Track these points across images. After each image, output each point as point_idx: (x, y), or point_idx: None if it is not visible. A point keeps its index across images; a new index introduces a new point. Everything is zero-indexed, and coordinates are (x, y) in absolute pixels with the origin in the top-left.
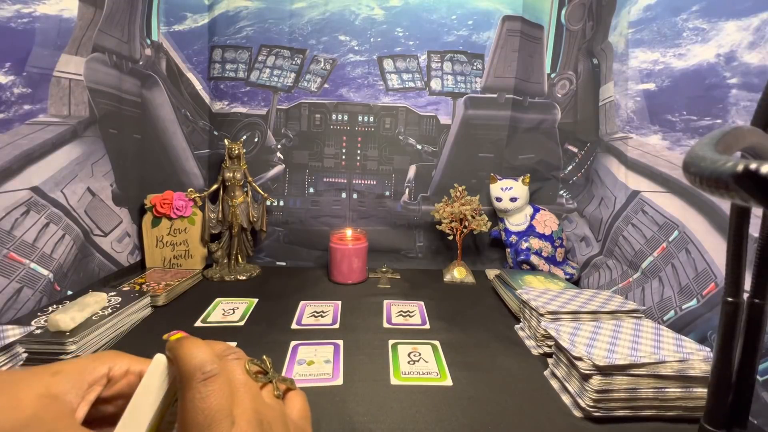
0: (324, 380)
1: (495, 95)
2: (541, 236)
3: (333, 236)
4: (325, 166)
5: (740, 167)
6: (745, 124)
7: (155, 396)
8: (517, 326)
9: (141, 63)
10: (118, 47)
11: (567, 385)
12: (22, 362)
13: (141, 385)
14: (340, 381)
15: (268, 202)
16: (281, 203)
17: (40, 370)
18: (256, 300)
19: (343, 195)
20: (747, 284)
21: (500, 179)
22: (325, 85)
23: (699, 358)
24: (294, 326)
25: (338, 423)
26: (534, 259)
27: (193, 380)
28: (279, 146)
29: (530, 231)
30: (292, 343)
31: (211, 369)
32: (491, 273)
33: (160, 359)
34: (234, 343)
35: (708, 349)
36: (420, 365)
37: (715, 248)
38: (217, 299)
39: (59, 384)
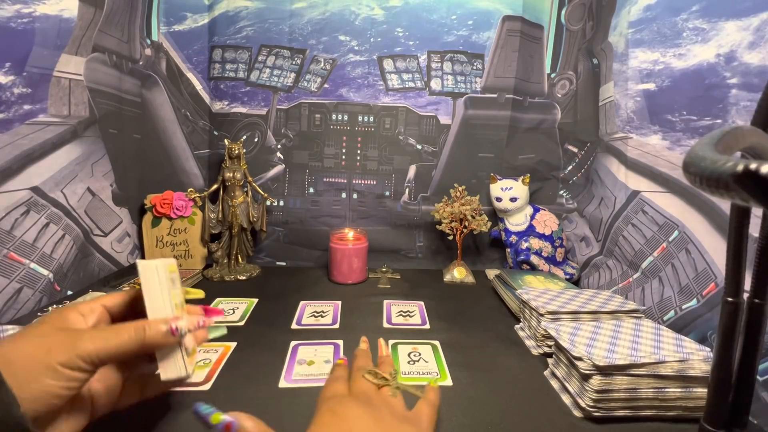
0: (324, 380)
1: (495, 95)
2: (541, 236)
3: (333, 236)
4: (325, 166)
5: (740, 167)
6: (745, 124)
7: (161, 286)
8: (517, 326)
9: (141, 63)
10: (118, 47)
11: (567, 385)
12: None
13: (145, 286)
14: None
15: (268, 202)
16: (281, 203)
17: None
18: (256, 300)
19: (343, 195)
20: (747, 284)
21: (500, 179)
22: (325, 85)
23: (699, 358)
24: (294, 326)
25: None
26: (534, 259)
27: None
28: (279, 146)
29: (530, 231)
30: (292, 343)
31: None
32: (491, 273)
33: (144, 263)
34: (234, 344)
35: (708, 349)
36: (420, 365)
37: (715, 248)
38: (217, 299)
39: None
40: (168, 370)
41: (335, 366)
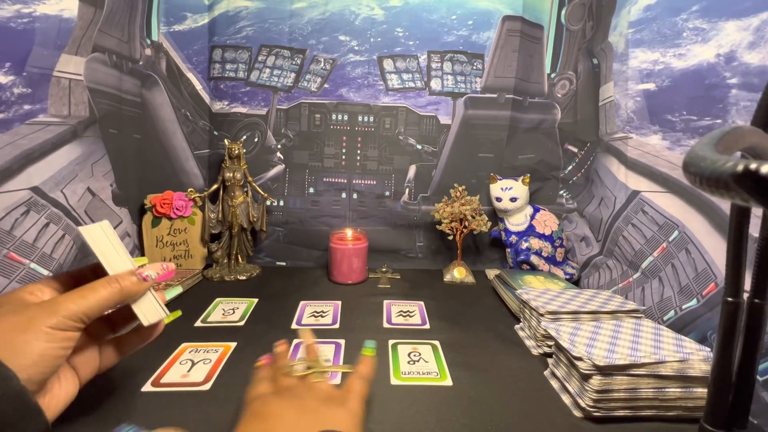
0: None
1: (495, 95)
2: (541, 236)
3: (333, 236)
4: (325, 166)
5: (740, 167)
6: (745, 124)
7: (112, 243)
8: (517, 326)
9: (141, 63)
10: (118, 47)
11: (567, 385)
12: None
13: (96, 248)
14: (339, 381)
15: (268, 202)
16: (281, 203)
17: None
18: (256, 300)
19: (343, 195)
20: (747, 284)
21: (500, 179)
22: (325, 85)
23: (699, 358)
24: (294, 326)
25: None
26: (534, 259)
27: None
28: (279, 146)
29: (530, 231)
30: (293, 344)
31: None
32: (491, 273)
33: (85, 228)
34: (234, 344)
35: (708, 349)
36: (420, 365)
37: (715, 248)
38: (217, 299)
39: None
40: (148, 315)
41: (256, 369)
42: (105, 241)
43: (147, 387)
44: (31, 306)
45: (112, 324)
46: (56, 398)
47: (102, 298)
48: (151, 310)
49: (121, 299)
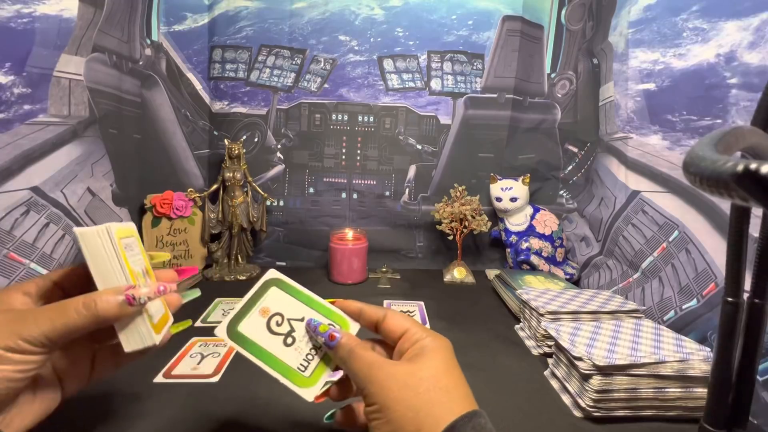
0: None
1: (495, 95)
2: (541, 236)
3: (333, 236)
4: (325, 166)
5: (740, 167)
6: (745, 124)
7: (108, 253)
8: (517, 326)
9: (141, 63)
10: (118, 47)
11: (567, 385)
12: None
13: (88, 255)
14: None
15: (268, 202)
16: (281, 203)
17: None
18: None
19: (343, 195)
20: (747, 284)
21: (500, 179)
22: (325, 85)
23: (699, 358)
24: None
25: None
26: (534, 259)
27: None
28: (279, 146)
29: (530, 231)
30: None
31: None
32: (491, 273)
33: (82, 230)
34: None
35: (708, 349)
36: None
37: (715, 248)
38: (217, 299)
39: None
40: (130, 341)
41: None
42: (99, 248)
43: (159, 378)
44: (2, 315)
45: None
46: (23, 414)
47: (71, 322)
48: (134, 335)
49: (97, 324)
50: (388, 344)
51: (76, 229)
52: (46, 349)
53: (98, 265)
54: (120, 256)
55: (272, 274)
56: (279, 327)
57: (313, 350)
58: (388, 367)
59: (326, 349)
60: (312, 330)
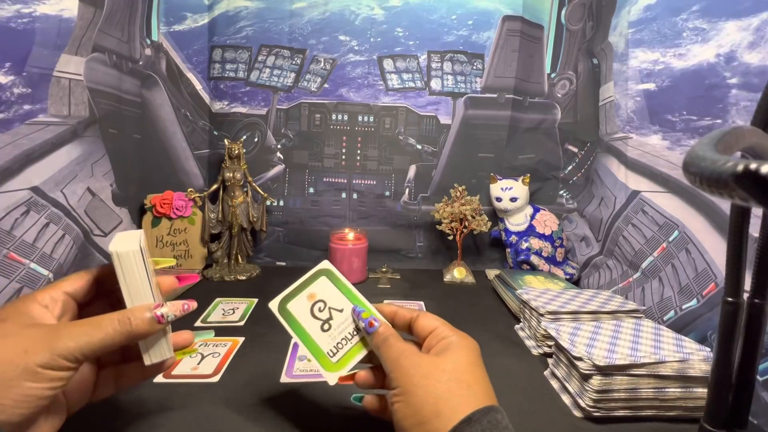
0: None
1: (495, 95)
2: (541, 236)
3: (333, 236)
4: (325, 166)
5: (740, 167)
6: (745, 124)
7: (140, 273)
8: (517, 326)
9: (141, 63)
10: (118, 47)
11: (567, 385)
12: None
13: (122, 276)
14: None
15: (268, 202)
16: (281, 203)
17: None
18: (256, 300)
19: (343, 195)
20: (747, 284)
21: (500, 179)
22: (325, 85)
23: (699, 358)
24: None
25: (338, 420)
26: (534, 259)
27: None
28: (279, 146)
29: (530, 231)
30: (293, 342)
31: None
32: (491, 273)
33: (119, 252)
34: (242, 338)
35: (708, 349)
36: None
37: (715, 248)
38: (217, 299)
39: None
40: (153, 354)
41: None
42: (134, 269)
43: (159, 378)
44: (33, 330)
45: (125, 350)
46: None
47: (107, 337)
48: (156, 349)
49: (129, 340)
50: (421, 344)
51: (113, 249)
52: (78, 365)
53: (130, 284)
54: (151, 275)
55: (325, 265)
56: (320, 312)
57: (344, 340)
58: (415, 357)
59: (365, 334)
60: (356, 315)
